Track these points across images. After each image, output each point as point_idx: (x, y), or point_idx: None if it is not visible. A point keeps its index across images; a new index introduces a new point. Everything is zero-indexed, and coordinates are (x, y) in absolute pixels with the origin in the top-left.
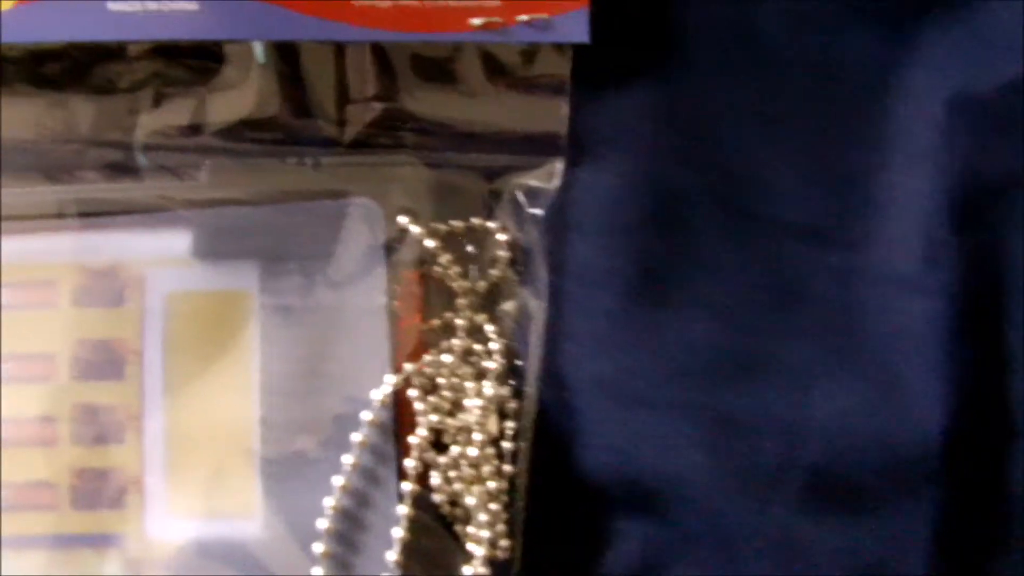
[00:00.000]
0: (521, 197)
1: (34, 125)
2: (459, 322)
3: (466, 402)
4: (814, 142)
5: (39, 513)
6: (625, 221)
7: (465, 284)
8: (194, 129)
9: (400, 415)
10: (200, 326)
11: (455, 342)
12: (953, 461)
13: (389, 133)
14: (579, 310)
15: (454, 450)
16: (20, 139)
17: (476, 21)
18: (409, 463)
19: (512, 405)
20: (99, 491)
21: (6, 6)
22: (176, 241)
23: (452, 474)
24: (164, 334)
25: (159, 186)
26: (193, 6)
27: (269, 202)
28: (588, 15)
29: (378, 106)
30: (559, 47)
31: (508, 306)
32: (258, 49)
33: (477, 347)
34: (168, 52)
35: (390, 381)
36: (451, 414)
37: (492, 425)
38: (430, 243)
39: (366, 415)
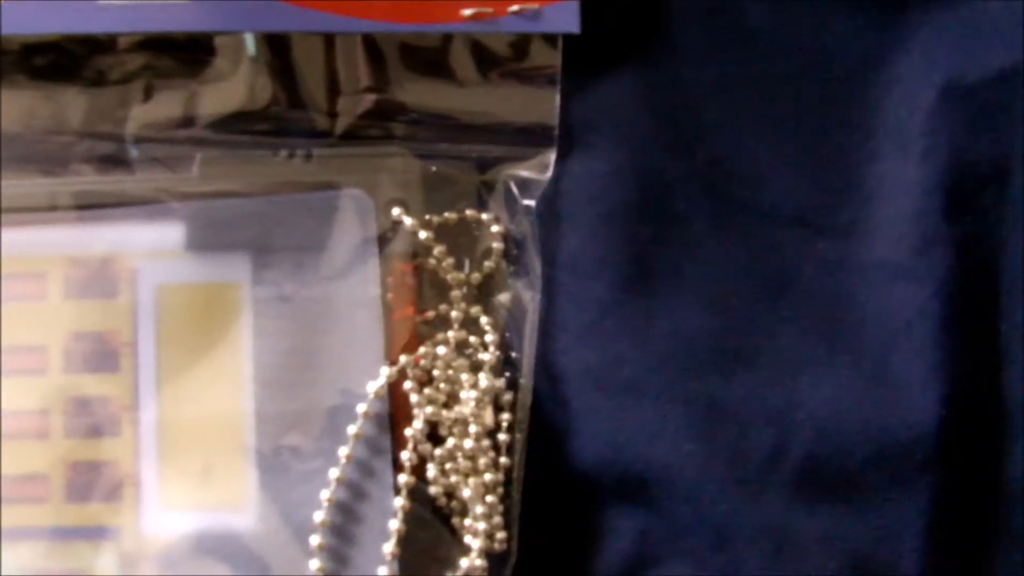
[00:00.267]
0: (514, 188)
1: (25, 117)
2: (453, 314)
3: (461, 394)
4: (803, 130)
5: (33, 506)
6: (615, 210)
7: (459, 276)
8: (185, 121)
9: (395, 407)
10: (192, 318)
11: (450, 334)
12: (945, 450)
13: (380, 124)
14: (571, 300)
15: (450, 442)
16: (11, 131)
17: (467, 12)
18: (405, 455)
19: (507, 397)
20: (93, 484)
21: None
22: (168, 233)
23: (448, 466)
24: (156, 326)
25: (151, 178)
26: None
27: (261, 194)
28: (578, 5)
29: (369, 97)
30: (550, 37)
31: (502, 297)
32: (249, 41)
33: (472, 339)
34: (159, 44)
35: (385, 373)
36: (447, 406)
37: (488, 417)
38: (423, 235)
39: (361, 407)
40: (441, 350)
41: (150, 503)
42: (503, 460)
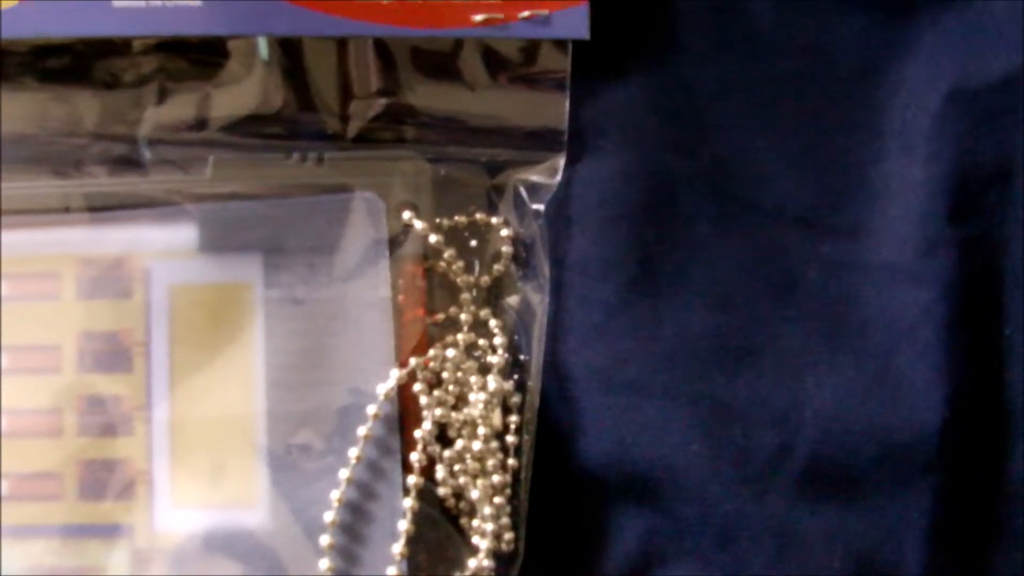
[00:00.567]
0: (523, 192)
1: (39, 119)
2: (463, 316)
3: (470, 396)
4: (808, 132)
5: (46, 503)
6: (622, 213)
7: (468, 279)
8: (198, 124)
9: (405, 408)
10: (204, 318)
11: (459, 336)
12: (948, 450)
13: (391, 128)
14: (579, 302)
15: (458, 444)
16: (25, 133)
17: (477, 17)
18: (414, 456)
19: (516, 399)
20: (106, 482)
21: (7, 4)
22: (180, 234)
23: (457, 467)
24: (169, 326)
25: (164, 180)
26: (196, 2)
27: (273, 196)
28: (588, 11)
29: (381, 101)
30: (560, 42)
31: (511, 300)
32: (261, 44)
33: (481, 341)
34: (172, 47)
35: (395, 375)
36: (456, 408)
37: (496, 419)
38: (433, 238)
39: (371, 408)
40: (450, 352)
41: (162, 501)
42: (511, 462)
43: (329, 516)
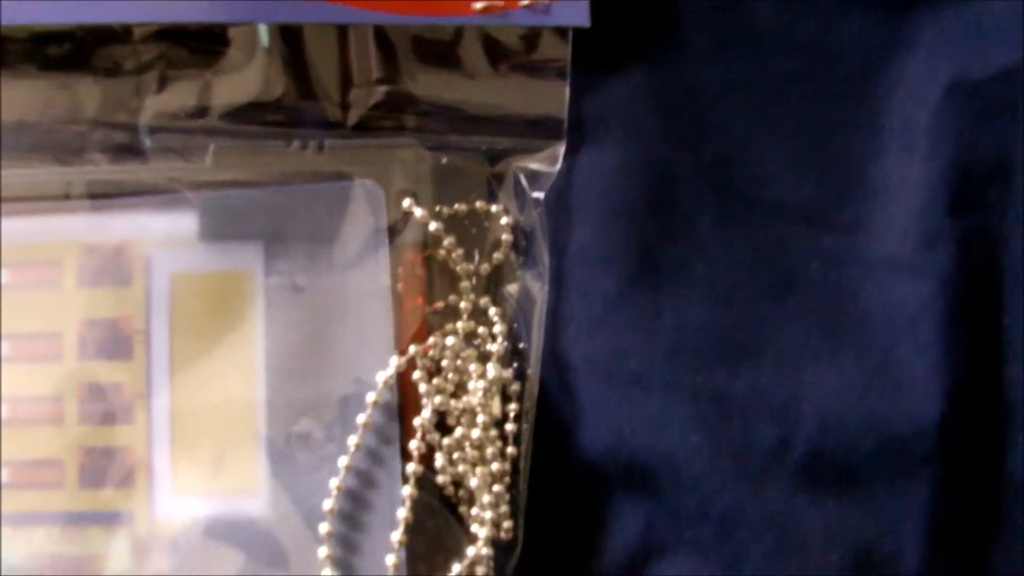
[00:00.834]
0: (523, 180)
1: (40, 107)
2: (462, 304)
3: (470, 384)
4: (809, 127)
5: (47, 491)
6: (623, 206)
7: (468, 267)
8: (199, 111)
9: (404, 396)
10: (205, 307)
11: (459, 324)
12: (947, 444)
13: (392, 116)
14: (579, 293)
15: (458, 432)
16: (27, 120)
17: (478, 5)
18: (413, 444)
19: (515, 387)
20: (106, 469)
21: None
22: (181, 222)
23: (456, 455)
24: (169, 314)
25: (164, 168)
26: None
27: (273, 184)
28: (588, 0)
29: (381, 89)
30: (560, 30)
31: (511, 288)
32: (262, 32)
33: (480, 329)
34: (173, 35)
35: (394, 363)
36: (455, 396)
37: (495, 407)
38: (433, 226)
39: (371, 396)
40: (450, 340)
41: (162, 489)
42: (510, 450)
43: (329, 504)
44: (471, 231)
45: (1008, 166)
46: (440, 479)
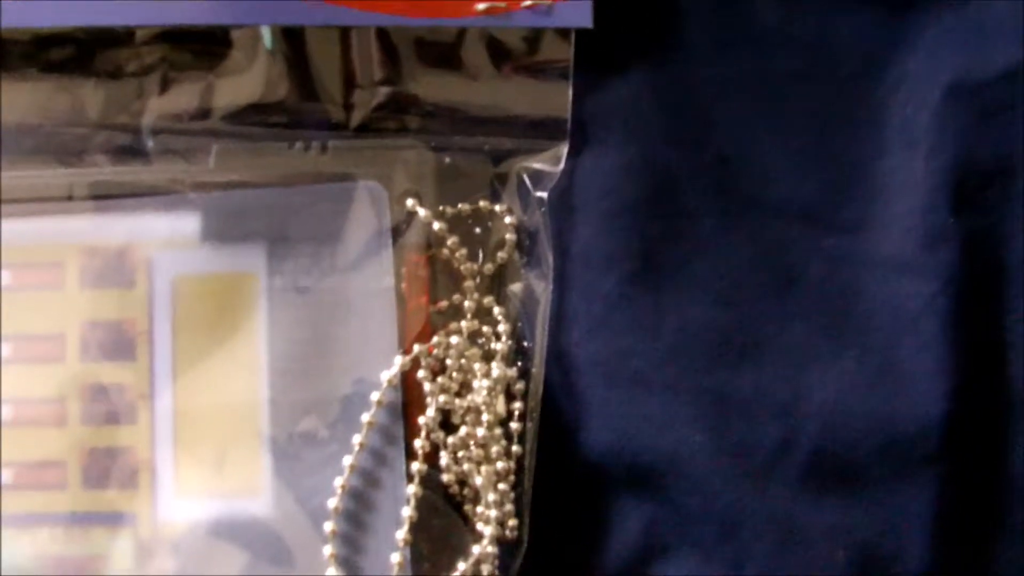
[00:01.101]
0: (527, 180)
1: (42, 109)
2: (466, 304)
3: (474, 383)
4: (811, 127)
5: (50, 492)
6: (625, 206)
7: (472, 266)
8: (202, 113)
9: (409, 396)
10: (208, 307)
11: (463, 324)
12: (950, 443)
13: (395, 117)
14: (582, 293)
15: (462, 430)
16: (29, 123)
17: (480, 6)
18: (418, 443)
19: (519, 386)
20: (109, 470)
21: None
22: (184, 223)
23: (460, 454)
24: (172, 315)
25: (167, 169)
26: None
27: (276, 185)
28: (591, 1)
29: (384, 90)
30: (562, 31)
31: (515, 288)
32: (265, 34)
33: (484, 328)
34: (175, 37)
35: (399, 362)
36: (459, 395)
37: (500, 406)
38: (437, 226)
39: (375, 395)
40: (454, 339)
41: (166, 489)
42: (515, 448)
43: (333, 503)
44: (475, 231)
45: (1009, 166)
46: (445, 478)
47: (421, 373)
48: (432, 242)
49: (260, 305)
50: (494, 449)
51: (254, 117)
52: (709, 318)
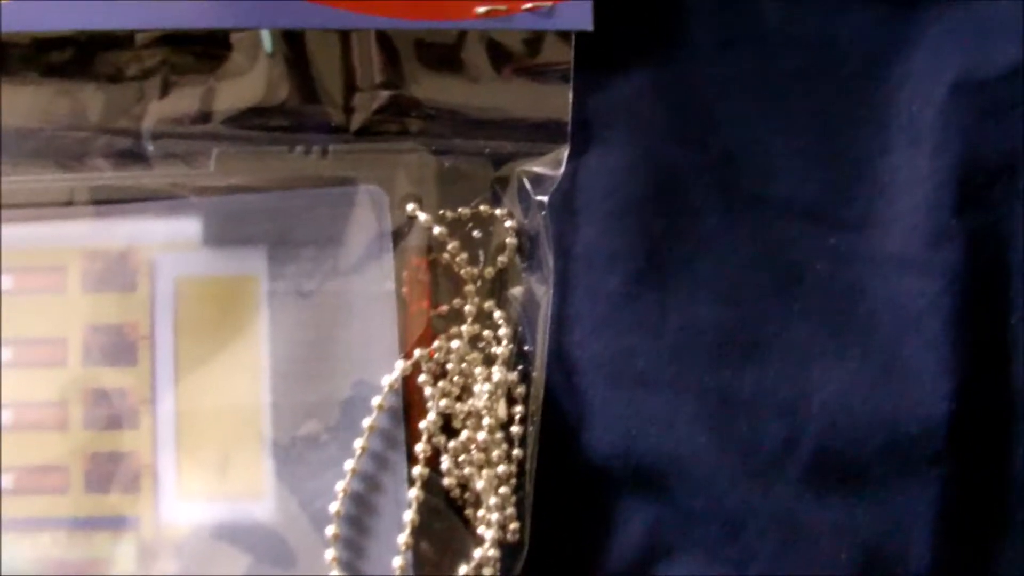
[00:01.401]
0: (527, 184)
1: (43, 113)
2: (467, 308)
3: (475, 387)
4: (815, 125)
5: (53, 496)
6: (628, 205)
7: (473, 270)
8: (202, 117)
9: (410, 400)
10: (209, 311)
11: (464, 328)
12: (955, 442)
13: (395, 120)
14: (585, 294)
15: (463, 434)
16: (30, 127)
17: (481, 9)
18: (419, 447)
19: (520, 390)
20: (112, 474)
21: None
22: (185, 227)
23: (462, 458)
24: (174, 319)
25: (168, 173)
26: None
27: (277, 189)
28: (592, 3)
29: (384, 93)
30: (563, 34)
31: (515, 292)
32: (265, 37)
33: (485, 332)
34: (176, 40)
35: (400, 366)
36: (460, 399)
37: (501, 410)
38: (438, 230)
39: (376, 400)
40: (455, 343)
41: (168, 493)
42: (516, 452)
43: (335, 507)
44: (475, 235)
45: (1014, 163)
46: (446, 481)
47: (422, 377)
48: (433, 246)
49: (261, 309)
50: (495, 453)
51: (255, 120)
52: (713, 317)
